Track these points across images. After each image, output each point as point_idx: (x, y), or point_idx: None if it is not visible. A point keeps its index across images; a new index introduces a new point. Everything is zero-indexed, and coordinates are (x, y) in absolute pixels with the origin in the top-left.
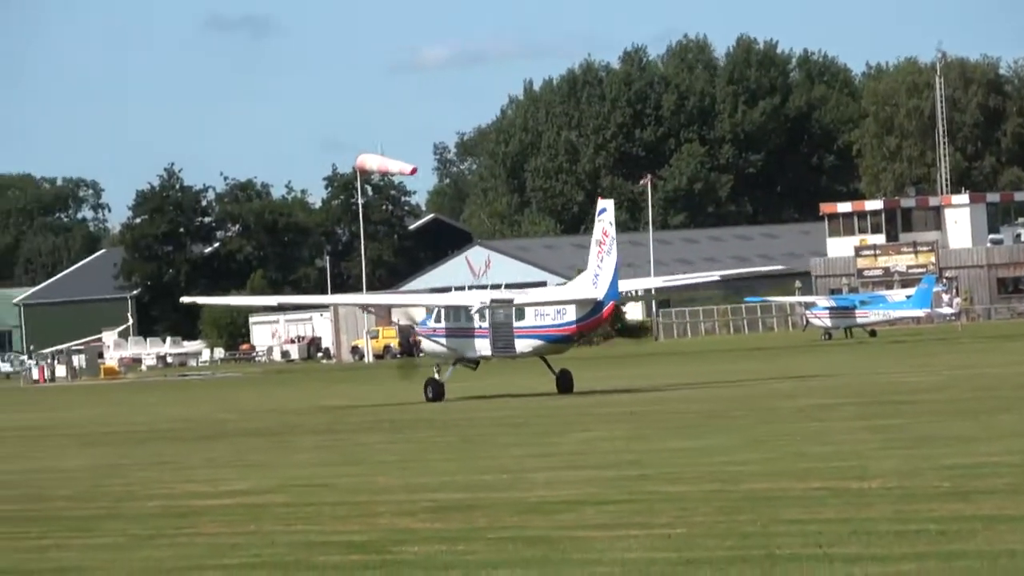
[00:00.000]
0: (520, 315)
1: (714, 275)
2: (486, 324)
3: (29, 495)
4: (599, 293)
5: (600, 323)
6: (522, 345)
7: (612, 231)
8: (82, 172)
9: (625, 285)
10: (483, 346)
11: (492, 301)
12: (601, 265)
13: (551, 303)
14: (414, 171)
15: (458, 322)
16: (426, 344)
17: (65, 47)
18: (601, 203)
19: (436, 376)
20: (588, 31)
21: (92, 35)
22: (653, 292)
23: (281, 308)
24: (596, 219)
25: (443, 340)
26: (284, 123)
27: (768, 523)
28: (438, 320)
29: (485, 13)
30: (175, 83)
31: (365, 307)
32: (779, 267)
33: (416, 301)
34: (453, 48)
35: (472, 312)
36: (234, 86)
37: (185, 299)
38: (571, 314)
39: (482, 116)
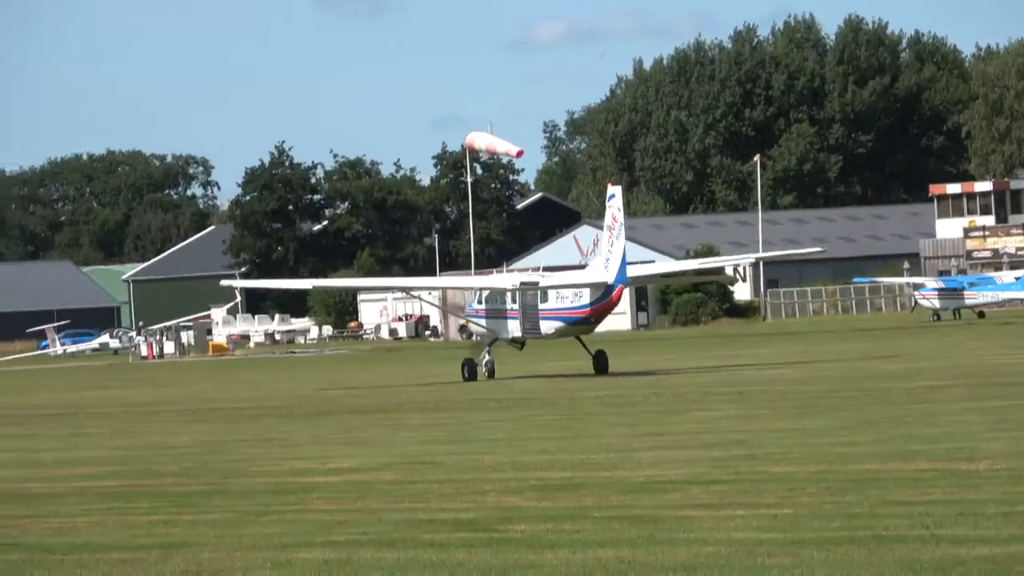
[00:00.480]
0: (544, 297)
1: (748, 258)
2: (518, 306)
3: (138, 471)
4: (609, 277)
5: (612, 306)
6: (546, 326)
7: (620, 216)
8: (192, 149)
9: (636, 270)
10: (515, 327)
11: (521, 283)
12: (612, 250)
13: (570, 286)
14: (520, 154)
15: (494, 304)
16: (471, 325)
17: (175, 23)
18: (610, 189)
19: (487, 356)
20: (699, 10)
21: (204, 10)
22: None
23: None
24: (606, 205)
25: (483, 321)
26: (396, 100)
27: (875, 504)
28: (480, 302)
29: None
30: (287, 59)
31: (406, 291)
32: (815, 249)
33: (458, 284)
34: (566, 27)
35: (479, 297)
36: (347, 63)
37: (224, 282)
38: (586, 297)
39: (593, 95)
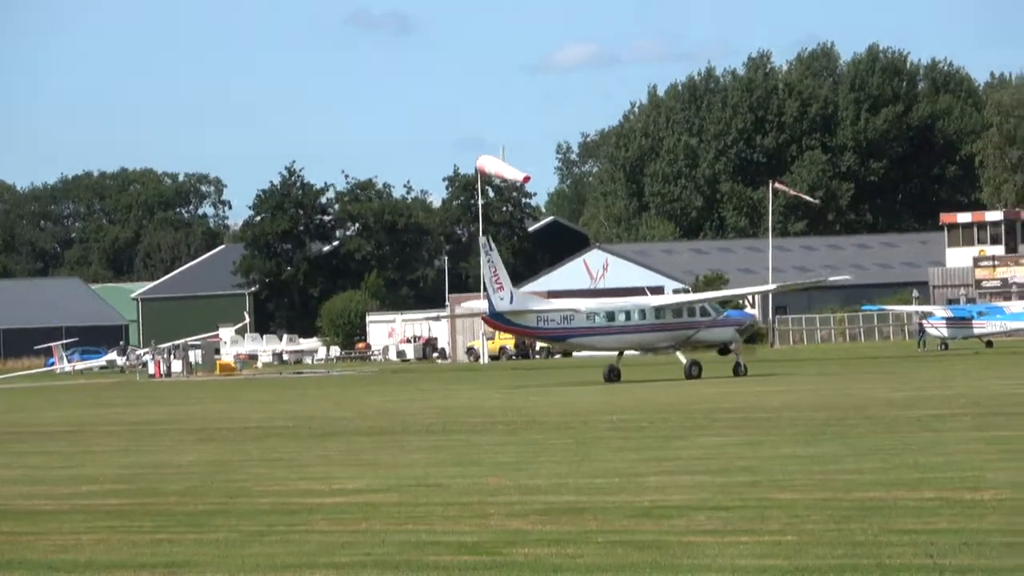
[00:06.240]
0: None
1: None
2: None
3: (143, 489)
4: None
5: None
6: None
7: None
8: (204, 168)
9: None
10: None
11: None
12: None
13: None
14: (527, 179)
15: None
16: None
17: (190, 40)
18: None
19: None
20: (723, 38)
21: (220, 28)
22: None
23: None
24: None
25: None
26: (412, 121)
27: (879, 532)
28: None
29: (620, 16)
30: (303, 79)
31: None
32: (843, 278)
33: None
34: (585, 50)
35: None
36: (363, 83)
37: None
38: None
39: (610, 119)
